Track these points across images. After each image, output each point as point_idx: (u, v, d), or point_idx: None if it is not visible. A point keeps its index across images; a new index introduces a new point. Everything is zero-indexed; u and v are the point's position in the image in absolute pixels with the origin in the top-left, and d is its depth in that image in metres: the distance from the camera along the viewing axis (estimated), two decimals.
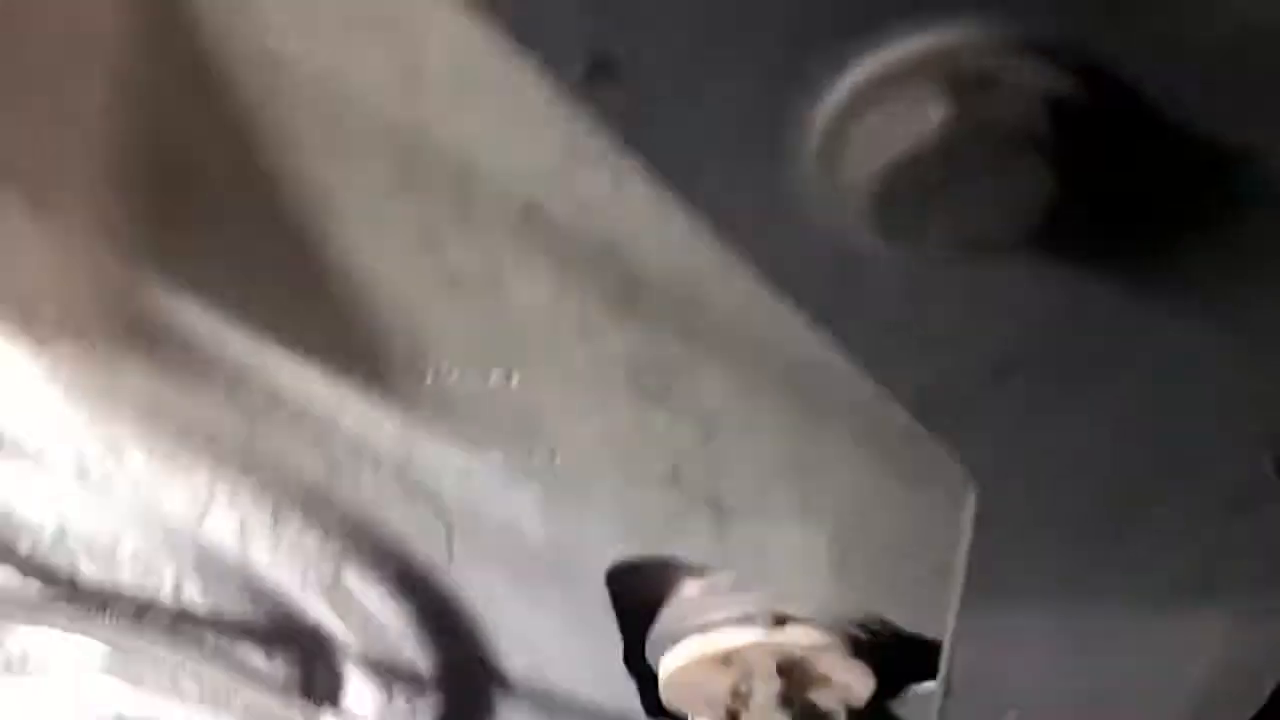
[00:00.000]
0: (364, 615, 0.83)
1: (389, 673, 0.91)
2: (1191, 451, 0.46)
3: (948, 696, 0.65)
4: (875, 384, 0.45)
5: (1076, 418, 0.44)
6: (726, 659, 0.84)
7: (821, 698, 0.87)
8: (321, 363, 0.65)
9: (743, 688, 0.85)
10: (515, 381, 0.64)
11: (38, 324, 0.64)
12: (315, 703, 0.77)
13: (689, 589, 0.86)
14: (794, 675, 0.84)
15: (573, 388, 0.64)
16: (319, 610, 0.83)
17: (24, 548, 0.77)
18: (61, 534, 0.76)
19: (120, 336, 0.66)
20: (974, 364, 0.42)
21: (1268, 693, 0.62)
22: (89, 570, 0.80)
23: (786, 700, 0.83)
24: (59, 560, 0.79)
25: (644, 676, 0.93)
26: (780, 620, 0.82)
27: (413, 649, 0.88)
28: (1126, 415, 0.44)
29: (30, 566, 0.79)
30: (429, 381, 0.65)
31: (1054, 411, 0.44)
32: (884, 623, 0.83)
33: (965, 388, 0.43)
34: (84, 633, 0.77)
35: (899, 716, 0.94)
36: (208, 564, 0.79)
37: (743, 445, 0.67)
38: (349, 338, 0.63)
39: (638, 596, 0.88)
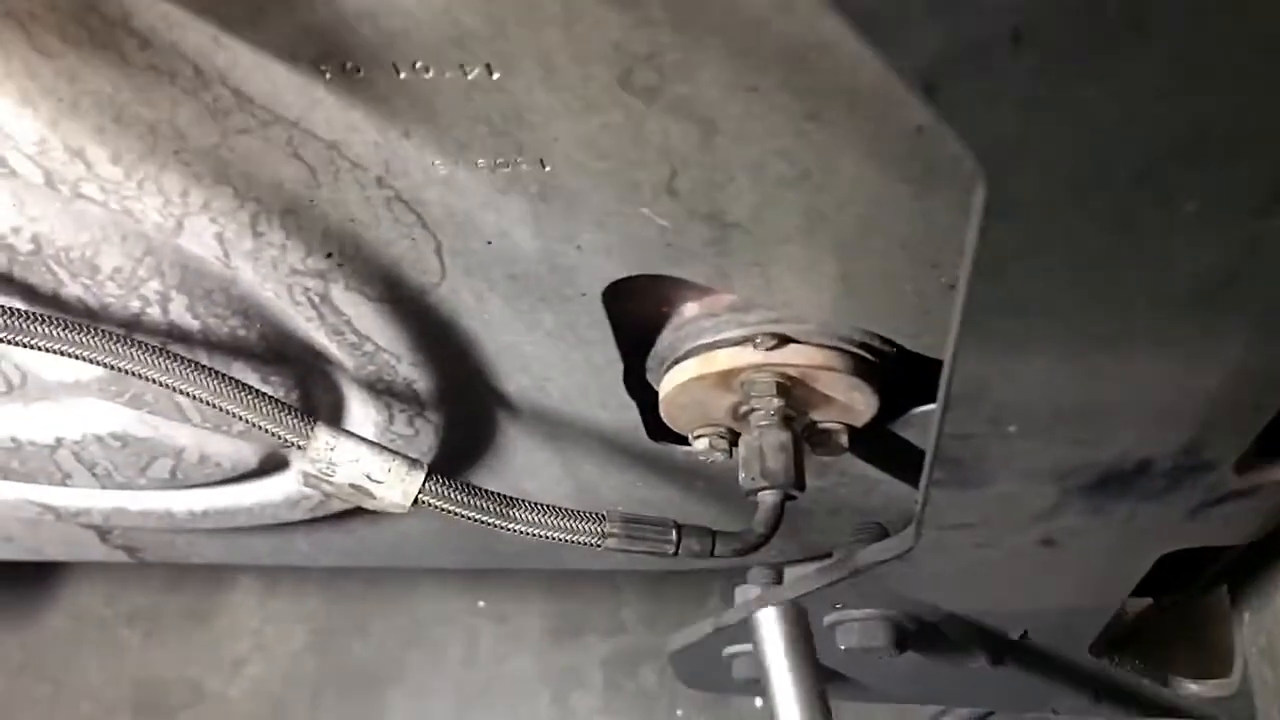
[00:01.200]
0: (356, 334, 0.82)
1: (387, 393, 0.90)
2: (1223, 132, 0.41)
3: (948, 410, 0.63)
4: (884, 58, 0.40)
5: (1099, 90, 0.39)
6: (727, 379, 0.83)
7: (823, 417, 0.87)
8: (285, 56, 0.60)
9: (743, 407, 0.84)
10: (496, 78, 0.60)
11: None
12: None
13: (689, 309, 0.84)
14: (795, 395, 0.82)
15: (558, 86, 0.60)
16: (310, 329, 0.82)
17: (1, 262, 0.75)
18: (37, 247, 0.74)
19: (70, 30, 0.61)
20: (991, 27, 0.38)
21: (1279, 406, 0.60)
22: (73, 288, 0.78)
23: (787, 419, 0.83)
24: (40, 277, 0.77)
25: (645, 399, 0.92)
26: (782, 340, 0.80)
27: (408, 369, 0.87)
28: (1152, 87, 0.39)
29: (10, 283, 0.77)
30: (403, 76, 0.60)
31: (1074, 82, 0.39)
32: (887, 342, 0.81)
33: (980, 56, 0.39)
34: (74, 353, 0.75)
35: (901, 437, 0.93)
36: (191, 279, 0.77)
37: (742, 151, 0.63)
38: (310, 26, 0.58)
39: (638, 318, 0.86)
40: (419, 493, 0.72)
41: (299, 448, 0.72)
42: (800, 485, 0.82)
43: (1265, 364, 0.56)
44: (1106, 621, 0.92)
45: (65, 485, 1.07)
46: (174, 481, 1.04)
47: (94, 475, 1.03)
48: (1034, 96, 0.40)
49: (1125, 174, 0.43)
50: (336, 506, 1.13)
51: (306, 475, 0.71)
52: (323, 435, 0.73)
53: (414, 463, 0.73)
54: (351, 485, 0.71)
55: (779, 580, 1.18)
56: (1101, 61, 0.38)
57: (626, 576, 1.87)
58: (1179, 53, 0.38)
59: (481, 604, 1.89)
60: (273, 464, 1.04)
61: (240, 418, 0.71)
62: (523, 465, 1.07)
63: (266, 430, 0.71)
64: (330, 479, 0.71)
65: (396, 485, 0.72)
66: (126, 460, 1.00)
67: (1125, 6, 0.37)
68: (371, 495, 0.72)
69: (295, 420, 0.72)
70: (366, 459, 0.72)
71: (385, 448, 0.73)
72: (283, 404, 0.72)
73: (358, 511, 1.17)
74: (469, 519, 0.72)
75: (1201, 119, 0.41)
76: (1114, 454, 0.66)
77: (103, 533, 1.27)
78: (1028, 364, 0.57)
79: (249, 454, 1.01)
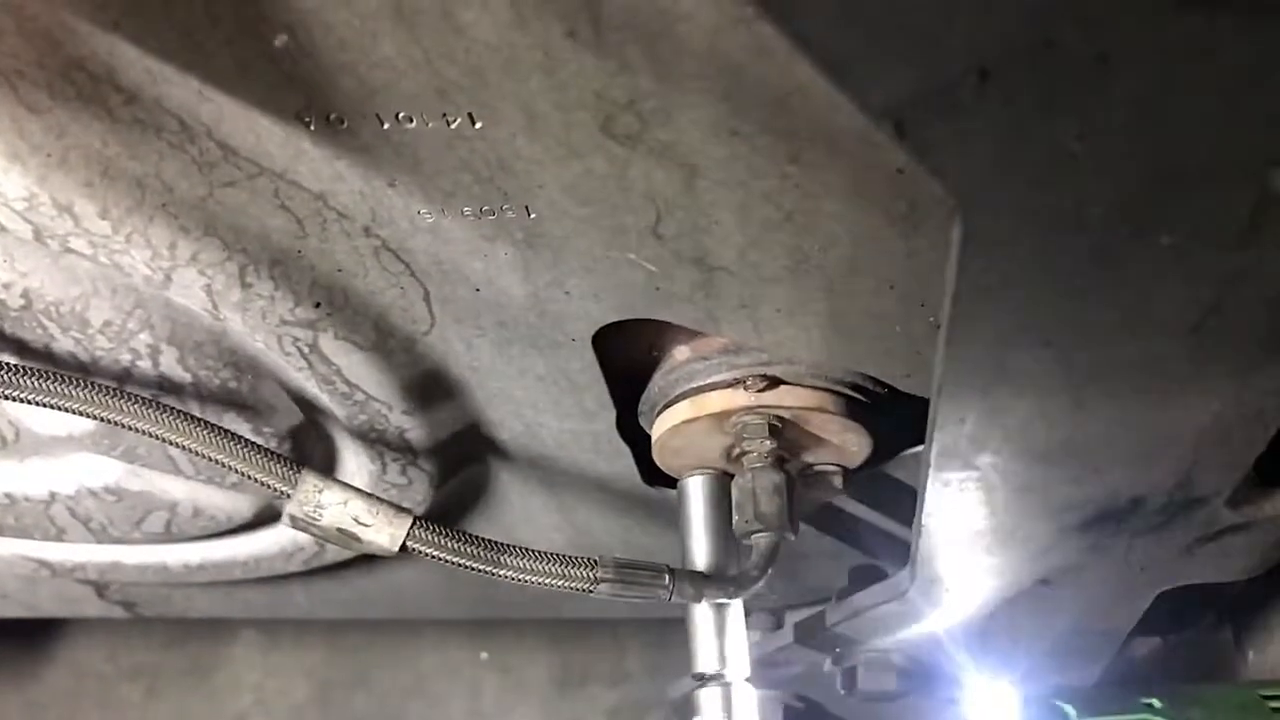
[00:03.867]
0: (346, 383, 0.82)
1: (380, 442, 0.90)
2: (1192, 168, 0.41)
3: (934, 444, 0.63)
4: (854, 100, 0.40)
5: (1067, 126, 0.40)
6: (719, 422, 0.83)
7: (817, 459, 0.86)
8: (269, 108, 0.61)
9: (736, 450, 0.84)
10: (479, 127, 0.60)
11: None
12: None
13: (680, 353, 0.84)
14: (787, 437, 0.82)
15: (541, 133, 0.60)
16: (301, 379, 0.82)
17: None
18: (28, 301, 0.74)
19: (57, 86, 0.61)
20: (957, 65, 0.38)
21: (1270, 436, 0.60)
22: (64, 342, 0.78)
23: (780, 461, 0.82)
24: (31, 332, 0.77)
25: (638, 443, 0.92)
26: (773, 382, 0.80)
27: (400, 417, 0.87)
28: (1119, 121, 0.39)
29: (2, 338, 0.77)
30: (386, 127, 0.61)
31: (1042, 119, 0.39)
32: (879, 383, 0.81)
33: (948, 95, 0.39)
34: (65, 407, 0.75)
35: (896, 479, 0.93)
36: (181, 332, 0.77)
37: (725, 194, 0.63)
38: (293, 78, 0.58)
39: (629, 362, 0.86)
40: (406, 537, 0.72)
41: (286, 495, 0.72)
42: (794, 528, 0.82)
43: (1252, 398, 0.56)
44: (1108, 661, 0.91)
45: (61, 540, 1.06)
46: (169, 535, 1.03)
47: (89, 530, 1.03)
48: (1003, 133, 0.40)
49: (1098, 208, 0.43)
50: (331, 557, 1.12)
51: (294, 518, 0.71)
52: (310, 479, 0.73)
53: (402, 508, 0.72)
54: (339, 529, 0.71)
55: (779, 625, 1.17)
56: (1068, 97, 0.39)
57: (630, 625, 1.85)
58: (1144, 88, 0.38)
59: (485, 655, 1.87)
60: (267, 516, 1.04)
61: (226, 465, 0.71)
62: (518, 512, 1.07)
63: (253, 477, 0.71)
64: (318, 522, 0.71)
65: (384, 529, 0.71)
66: (121, 514, 1.00)
67: (1089, 43, 0.37)
68: (359, 539, 0.71)
69: (282, 467, 0.72)
70: (354, 502, 0.71)
71: (372, 494, 0.73)
72: (269, 451, 0.72)
73: (354, 562, 1.17)
74: (458, 565, 0.72)
75: (1170, 153, 0.41)
76: (1106, 491, 0.66)
77: (99, 588, 1.27)
78: (1014, 400, 0.57)
79: (243, 506, 1.01)
